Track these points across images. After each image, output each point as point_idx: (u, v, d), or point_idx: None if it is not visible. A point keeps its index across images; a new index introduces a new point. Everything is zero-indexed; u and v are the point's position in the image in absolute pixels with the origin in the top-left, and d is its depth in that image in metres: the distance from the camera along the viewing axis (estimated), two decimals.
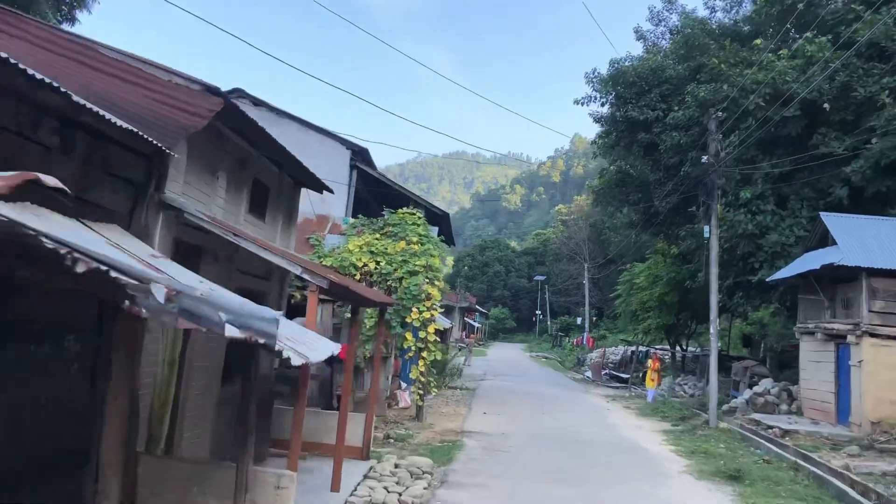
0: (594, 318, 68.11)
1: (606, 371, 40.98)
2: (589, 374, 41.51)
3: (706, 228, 18.37)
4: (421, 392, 16.18)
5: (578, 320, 65.64)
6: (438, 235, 18.46)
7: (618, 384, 37.21)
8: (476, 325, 79.01)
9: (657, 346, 37.95)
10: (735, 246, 23.88)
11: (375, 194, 20.76)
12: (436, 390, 22.32)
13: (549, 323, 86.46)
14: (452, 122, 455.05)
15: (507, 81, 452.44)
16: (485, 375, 34.91)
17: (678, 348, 36.76)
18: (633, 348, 45.60)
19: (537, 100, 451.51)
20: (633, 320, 35.80)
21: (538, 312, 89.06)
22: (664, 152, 27.64)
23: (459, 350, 46.24)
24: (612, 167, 33.90)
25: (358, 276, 16.11)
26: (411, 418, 16.33)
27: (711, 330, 18.71)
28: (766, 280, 20.77)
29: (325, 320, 16.46)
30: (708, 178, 17.61)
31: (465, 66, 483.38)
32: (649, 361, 28.92)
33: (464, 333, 71.44)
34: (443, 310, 60.10)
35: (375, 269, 16.23)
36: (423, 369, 15.68)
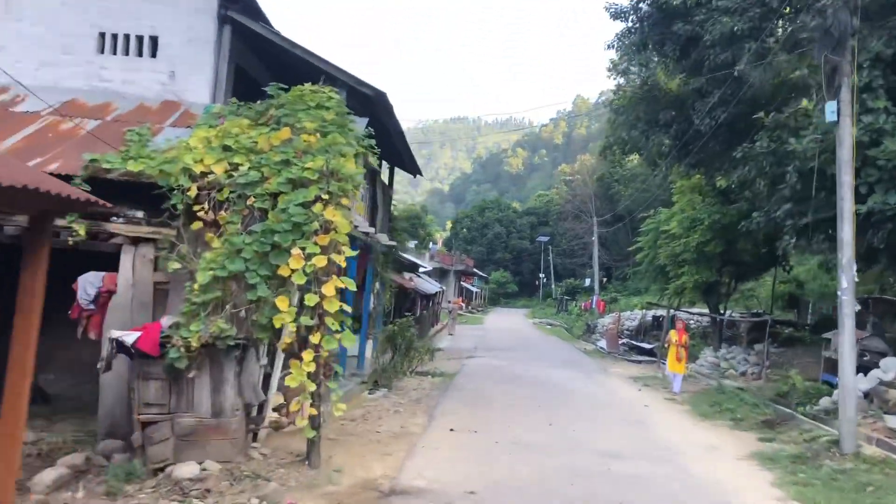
0: (603, 280, 60.30)
1: (624, 341, 33.31)
2: (603, 344, 33.84)
3: (828, 110, 10.43)
4: (315, 408, 8.21)
5: (587, 282, 57.85)
6: (372, 138, 10.51)
7: (640, 357, 29.59)
8: (474, 289, 71.36)
9: (689, 310, 30.21)
10: (825, 164, 16.01)
11: (275, 67, 12.82)
12: (384, 389, 14.69)
13: (553, 286, 78.75)
14: (453, 88, 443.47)
15: (508, 43, 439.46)
16: (474, 350, 27.30)
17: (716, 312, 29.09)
18: (657, 312, 37.88)
19: (538, 64, 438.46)
20: (659, 278, 28.00)
21: (541, 275, 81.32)
22: (709, 48, 19.56)
23: (450, 317, 38.43)
24: (635, 79, 25.83)
25: (194, 191, 8.30)
26: (298, 460, 8.45)
27: (843, 284, 10.58)
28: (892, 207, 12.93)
29: (139, 276, 8.67)
30: (834, 19, 9.73)
31: (464, 30, 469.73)
32: (672, 333, 18.73)
33: (459, 299, 63.81)
34: (427, 270, 52.48)
35: (229, 177, 8.42)
36: (309, 369, 7.80)
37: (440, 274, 58.83)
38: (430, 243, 62.41)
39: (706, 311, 30.18)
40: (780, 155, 16.55)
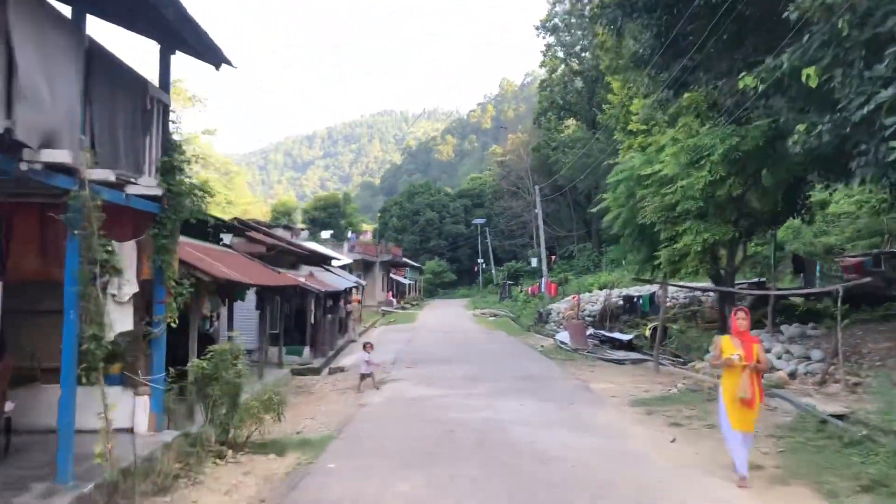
0: (551, 259, 52.52)
1: (591, 331, 25.17)
2: (564, 337, 25.72)
3: None
4: None
5: (533, 262, 49.97)
6: None
7: (617, 353, 21.50)
8: (407, 281, 62.59)
9: (689, 284, 22.23)
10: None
11: None
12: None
13: (493, 271, 70.76)
14: (375, 80, 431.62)
15: (432, 29, 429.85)
16: (391, 366, 18.71)
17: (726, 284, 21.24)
18: (627, 291, 29.96)
19: (460, 49, 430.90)
20: (640, 245, 19.86)
21: (480, 261, 73.21)
22: None
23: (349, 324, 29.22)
24: None
25: None
26: None
27: None
28: None
29: None
30: None
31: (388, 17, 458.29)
32: (725, 340, 7.80)
33: (389, 293, 54.98)
34: (344, 263, 43.45)
35: None
36: None
37: (364, 267, 49.93)
38: (349, 233, 53.33)
39: (703, 285, 22.34)
40: None
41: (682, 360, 18.96)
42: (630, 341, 22.94)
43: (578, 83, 62.68)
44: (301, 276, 22.41)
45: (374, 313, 44.76)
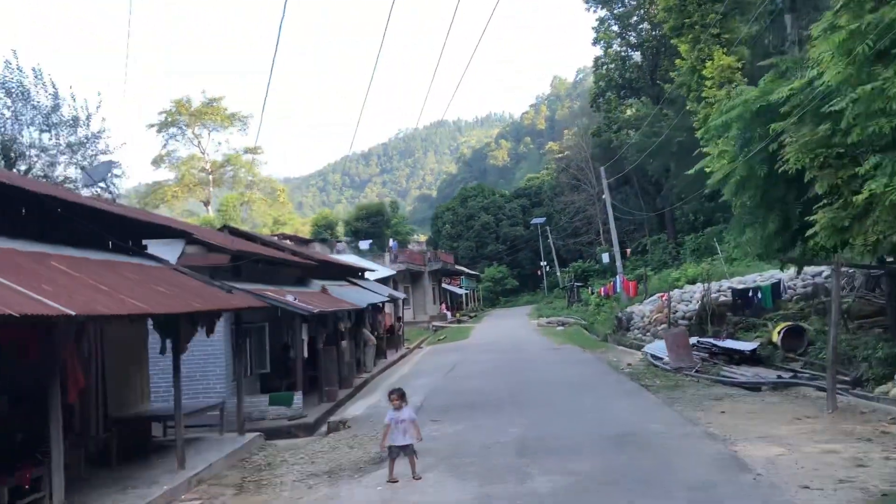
0: (626, 252, 45.43)
1: (695, 340, 18.32)
2: (657, 350, 19.10)
3: None
4: None
5: (604, 258, 43.00)
6: None
7: (743, 373, 14.71)
8: (462, 291, 56.24)
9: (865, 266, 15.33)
10: None
11: None
12: None
13: (558, 274, 63.72)
14: (430, 93, 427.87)
15: (479, 45, 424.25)
16: (416, 412, 12.65)
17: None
18: (738, 285, 22.88)
19: (509, 57, 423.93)
20: (766, 212, 13.01)
21: (543, 263, 66.31)
22: None
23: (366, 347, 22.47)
24: None
25: None
26: None
27: None
28: None
29: None
30: None
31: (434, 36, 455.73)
32: None
33: (442, 306, 48.82)
34: (384, 276, 37.33)
35: None
36: None
37: (411, 278, 44.02)
38: (391, 241, 47.46)
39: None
40: None
41: (847, 379, 12.12)
42: (755, 351, 16.08)
43: (637, 57, 55.46)
44: (296, 292, 16.54)
45: (422, 330, 38.72)
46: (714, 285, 23.40)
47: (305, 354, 15.28)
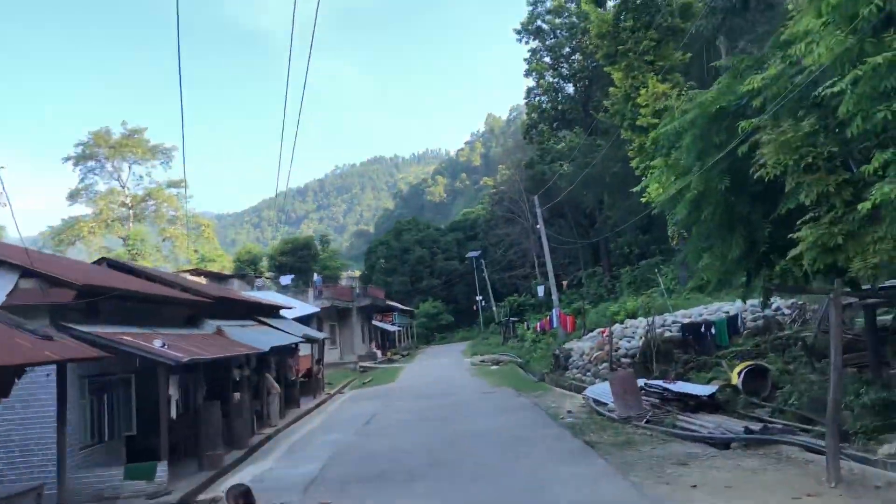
0: (563, 285, 43.51)
1: (646, 384, 15.99)
2: (599, 393, 16.77)
3: None
4: None
5: (540, 291, 40.91)
6: None
7: (702, 423, 12.41)
8: (394, 328, 53.20)
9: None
10: None
11: None
12: None
13: (494, 309, 61.50)
14: (365, 130, 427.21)
15: (411, 83, 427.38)
16: (304, 492, 9.79)
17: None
18: (683, 318, 20.85)
19: (444, 95, 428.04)
20: (727, 234, 10.88)
21: (478, 298, 64.04)
22: None
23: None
24: None
25: None
26: None
27: None
28: None
29: None
30: None
31: (370, 76, 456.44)
32: None
33: (372, 344, 45.69)
34: (307, 313, 33.93)
35: None
36: None
37: (338, 316, 40.84)
38: (315, 276, 44.16)
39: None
40: None
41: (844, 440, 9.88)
42: (713, 396, 13.84)
43: (570, 89, 54.60)
44: (177, 335, 13.47)
45: (348, 372, 35.54)
46: (658, 319, 21.34)
47: (174, 413, 12.16)
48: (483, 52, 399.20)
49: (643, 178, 35.58)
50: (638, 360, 20.84)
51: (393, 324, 52.88)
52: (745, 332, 18.43)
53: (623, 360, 21.27)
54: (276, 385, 18.86)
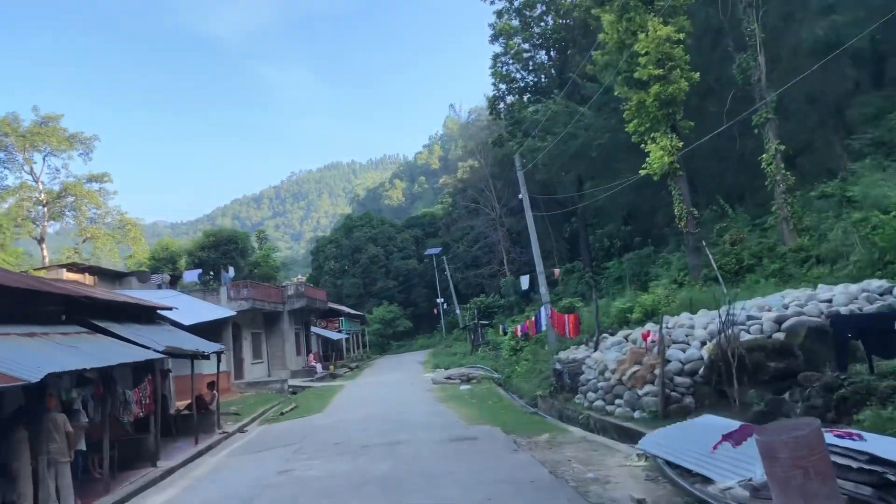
0: (555, 274, 35.09)
1: (836, 447, 7.62)
2: (680, 454, 8.24)
3: None
4: None
5: (524, 282, 32.39)
6: None
7: None
8: (341, 336, 43.96)
9: None
10: None
11: None
12: None
13: (458, 312, 52.84)
14: (321, 136, 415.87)
15: (368, 88, 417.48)
16: None
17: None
18: (788, 309, 12.39)
19: (401, 99, 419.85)
20: None
21: (440, 300, 55.27)
22: None
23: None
24: None
25: None
26: None
27: None
28: None
29: None
30: None
31: (326, 81, 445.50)
32: None
33: (311, 356, 36.45)
34: (223, 317, 23.73)
35: None
36: None
37: (265, 320, 31.64)
38: (223, 274, 34.04)
39: None
40: None
41: None
42: None
43: (542, 56, 46.47)
44: None
45: (274, 394, 26.39)
46: (739, 309, 12.90)
47: None
48: (440, 55, 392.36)
49: (641, 146, 26.86)
50: (702, 378, 12.57)
51: (339, 331, 43.64)
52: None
53: (677, 378, 12.87)
54: (64, 450, 9.75)
